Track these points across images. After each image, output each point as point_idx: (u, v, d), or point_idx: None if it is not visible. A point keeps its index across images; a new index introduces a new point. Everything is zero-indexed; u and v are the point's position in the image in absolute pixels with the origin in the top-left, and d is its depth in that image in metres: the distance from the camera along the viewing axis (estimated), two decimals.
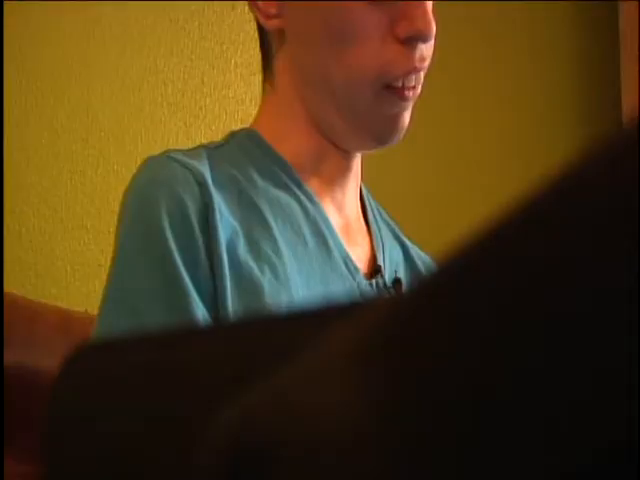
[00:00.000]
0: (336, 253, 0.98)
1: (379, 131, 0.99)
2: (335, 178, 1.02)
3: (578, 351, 0.28)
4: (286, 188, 0.99)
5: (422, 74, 0.98)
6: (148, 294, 0.87)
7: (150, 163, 0.95)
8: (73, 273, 1.68)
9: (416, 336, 0.30)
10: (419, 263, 1.08)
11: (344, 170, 1.03)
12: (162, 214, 0.89)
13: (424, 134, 2.13)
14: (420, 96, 0.99)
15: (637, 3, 2.22)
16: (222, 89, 1.88)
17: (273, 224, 0.95)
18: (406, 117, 0.99)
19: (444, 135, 2.21)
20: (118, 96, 1.76)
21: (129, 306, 0.88)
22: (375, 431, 0.29)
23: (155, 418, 0.39)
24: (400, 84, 0.96)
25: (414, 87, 0.97)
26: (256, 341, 0.38)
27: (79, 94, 1.72)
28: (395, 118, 0.98)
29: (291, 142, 1.01)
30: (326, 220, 0.99)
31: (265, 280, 0.90)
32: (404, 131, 1.00)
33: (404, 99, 0.96)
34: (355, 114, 0.97)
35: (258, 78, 1.90)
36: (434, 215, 2.14)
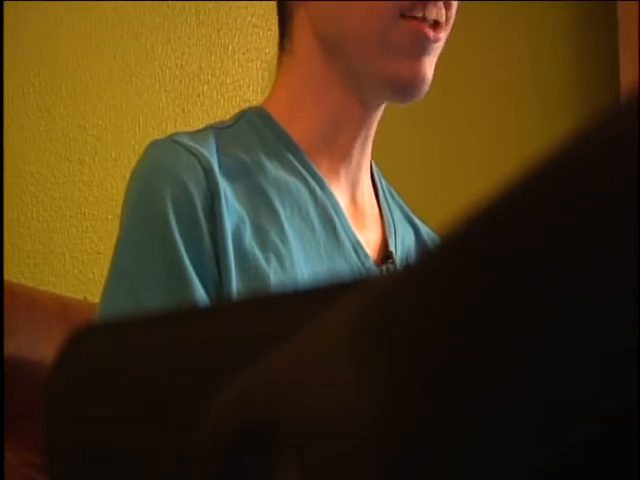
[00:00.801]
0: (345, 240, 0.97)
1: (402, 76, 0.95)
2: (349, 153, 1.00)
3: (577, 330, 0.27)
4: (295, 172, 0.97)
5: (445, 25, 0.95)
6: (150, 280, 0.87)
7: (155, 147, 0.94)
8: (71, 261, 1.67)
9: (414, 313, 0.30)
10: (430, 244, 1.07)
11: (359, 144, 1.00)
12: (166, 200, 0.88)
13: (422, 124, 2.13)
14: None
15: (636, 2, 2.22)
16: (220, 75, 1.87)
17: (281, 211, 0.94)
18: (428, 65, 0.96)
19: (443, 126, 2.21)
20: (115, 83, 1.76)
21: (131, 292, 0.87)
22: (372, 407, 0.29)
23: (154, 400, 0.39)
24: (421, 14, 0.94)
25: (437, 28, 0.95)
26: (257, 320, 0.38)
27: (77, 81, 1.72)
28: (417, 63, 0.95)
29: (307, 114, 0.99)
30: (336, 205, 0.98)
31: (271, 269, 0.89)
32: (427, 84, 0.96)
33: (426, 37, 0.94)
34: (378, 54, 0.94)
35: (256, 64, 1.91)
36: (432, 196, 2.13)
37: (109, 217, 1.68)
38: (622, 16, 2.26)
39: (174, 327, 0.41)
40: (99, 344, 0.43)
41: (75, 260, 1.68)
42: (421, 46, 0.95)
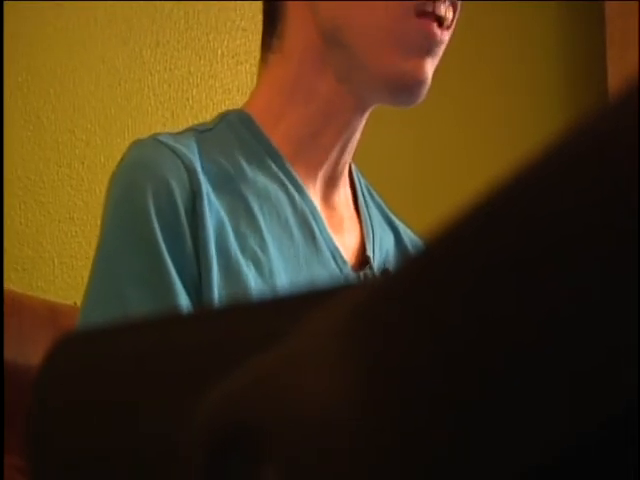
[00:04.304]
0: (324, 247, 0.96)
1: (405, 75, 0.94)
2: (329, 155, 0.99)
3: (570, 332, 0.27)
4: (275, 178, 0.97)
5: (448, 28, 0.95)
6: (132, 280, 0.87)
7: (138, 146, 0.94)
8: (60, 266, 1.67)
9: (400, 318, 0.29)
10: (410, 247, 1.06)
11: (340, 146, 0.99)
12: (148, 198, 0.88)
13: (410, 125, 2.12)
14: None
15: (623, 3, 2.24)
16: (209, 79, 1.87)
17: (260, 218, 0.93)
18: (430, 67, 0.95)
19: (430, 126, 2.21)
20: (104, 87, 1.75)
21: (113, 291, 0.87)
22: (358, 410, 0.29)
23: (140, 404, 0.39)
24: (431, 9, 0.93)
25: (442, 28, 0.94)
26: (241, 325, 0.38)
27: (65, 86, 1.71)
28: (422, 62, 0.94)
29: (292, 113, 0.98)
30: (314, 212, 0.97)
31: (250, 277, 0.89)
32: (426, 87, 0.96)
33: (435, 36, 0.94)
34: (385, 51, 0.93)
35: (245, 68, 1.90)
36: (420, 199, 2.13)
37: (98, 222, 1.67)
38: (610, 16, 2.27)
39: (160, 333, 0.41)
40: (85, 349, 0.43)
41: (64, 265, 1.67)
42: (429, 45, 0.94)
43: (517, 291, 0.27)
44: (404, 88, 0.95)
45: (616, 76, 2.23)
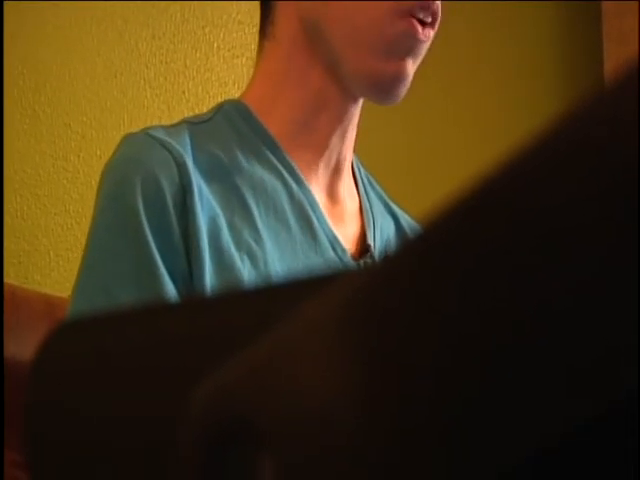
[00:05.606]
0: (322, 236, 0.96)
1: (385, 75, 0.95)
2: (328, 143, 0.99)
3: (568, 322, 0.27)
4: (272, 169, 0.97)
5: (432, 25, 0.95)
6: (120, 276, 0.87)
7: (129, 141, 0.94)
8: (56, 259, 1.66)
9: (400, 303, 0.29)
10: (410, 233, 1.07)
11: (339, 133, 0.99)
12: (137, 194, 0.88)
13: (408, 117, 2.12)
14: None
15: (619, 3, 2.25)
16: (205, 72, 1.87)
17: (255, 210, 0.93)
18: (411, 66, 0.96)
19: (429, 119, 2.21)
20: (100, 80, 1.75)
21: (101, 287, 0.88)
22: (359, 400, 0.28)
23: (135, 396, 0.39)
24: (409, 9, 0.93)
25: (425, 27, 0.94)
26: (234, 314, 0.37)
27: (61, 79, 1.71)
28: (402, 63, 0.95)
29: (286, 100, 0.98)
30: (312, 202, 0.97)
31: (245, 270, 0.89)
32: (406, 85, 0.97)
33: (418, 37, 0.94)
34: (365, 51, 0.94)
35: (241, 61, 1.90)
36: (418, 188, 2.13)
37: None
38: (606, 15, 2.28)
39: (153, 323, 0.41)
40: (79, 341, 0.43)
41: (60, 258, 1.67)
42: (412, 45, 0.95)
43: (509, 282, 0.27)
44: (383, 89, 0.96)
45: (613, 75, 2.23)
